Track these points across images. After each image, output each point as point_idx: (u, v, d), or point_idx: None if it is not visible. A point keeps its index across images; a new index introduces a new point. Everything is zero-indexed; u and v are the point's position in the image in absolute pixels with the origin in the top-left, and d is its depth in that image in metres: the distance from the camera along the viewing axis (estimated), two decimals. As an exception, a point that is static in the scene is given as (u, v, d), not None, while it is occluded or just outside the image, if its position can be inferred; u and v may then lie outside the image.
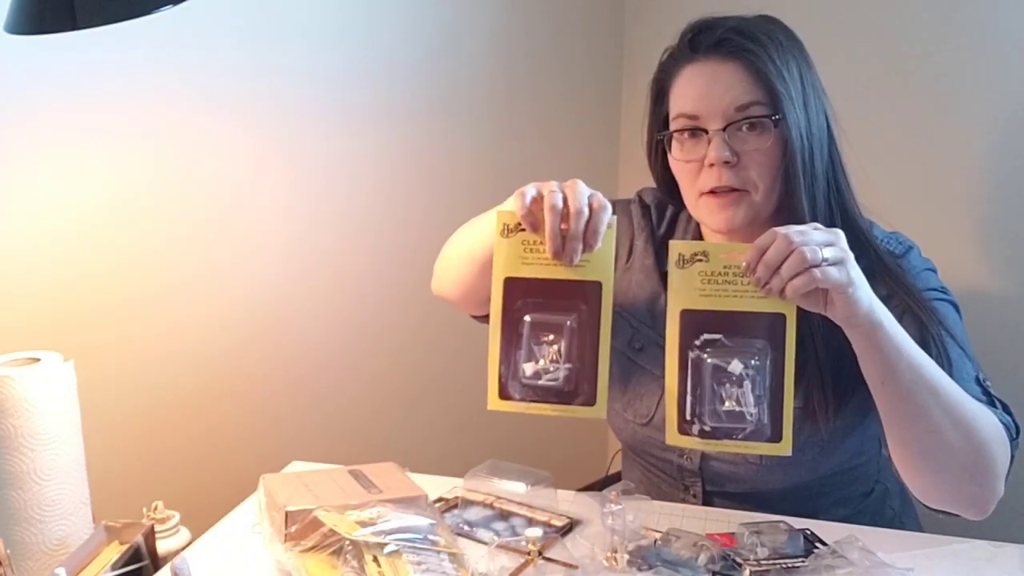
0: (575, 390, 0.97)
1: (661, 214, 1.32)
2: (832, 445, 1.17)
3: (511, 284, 0.99)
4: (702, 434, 0.94)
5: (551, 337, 0.97)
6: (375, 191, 1.82)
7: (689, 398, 0.95)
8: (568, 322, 0.97)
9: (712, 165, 1.10)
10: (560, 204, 0.96)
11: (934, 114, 1.71)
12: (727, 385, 0.94)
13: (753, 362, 0.93)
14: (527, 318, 0.98)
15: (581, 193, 0.97)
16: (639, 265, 1.30)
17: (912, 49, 1.71)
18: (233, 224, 1.63)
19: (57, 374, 1.13)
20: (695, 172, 1.13)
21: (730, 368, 0.93)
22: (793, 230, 0.93)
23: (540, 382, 0.97)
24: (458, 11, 1.89)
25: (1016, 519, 1.47)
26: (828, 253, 0.91)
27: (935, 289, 1.15)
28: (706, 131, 1.11)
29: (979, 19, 1.63)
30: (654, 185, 1.38)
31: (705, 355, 0.95)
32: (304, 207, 1.72)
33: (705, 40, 1.13)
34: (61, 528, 1.14)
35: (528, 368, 0.97)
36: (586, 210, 0.95)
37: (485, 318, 1.29)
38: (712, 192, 1.12)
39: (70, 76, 1.40)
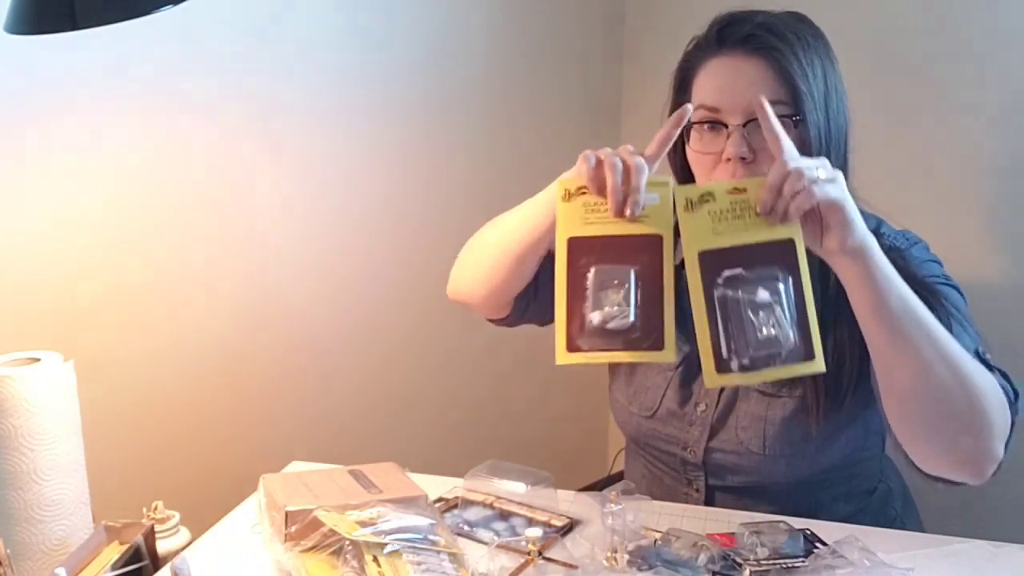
0: (643, 334, 0.99)
1: None
2: (834, 437, 1.18)
3: (575, 243, 1.02)
4: (741, 368, 0.96)
5: (616, 282, 1.00)
6: (377, 191, 1.82)
7: (722, 335, 0.96)
8: (632, 270, 1.00)
9: (729, 160, 1.11)
10: (619, 163, 1.00)
11: (938, 112, 1.71)
12: (760, 313, 0.96)
13: (778, 287, 0.96)
14: (592, 268, 1.01)
15: (634, 153, 1.01)
16: None
17: (914, 48, 1.71)
18: (234, 224, 1.63)
19: (57, 374, 1.13)
20: (712, 165, 1.14)
21: (758, 298, 0.96)
22: (786, 156, 0.97)
23: (608, 326, 0.99)
24: (458, 11, 1.89)
25: (1016, 519, 1.48)
26: (822, 173, 0.96)
27: (937, 276, 1.15)
28: (726, 125, 1.12)
29: (981, 17, 1.63)
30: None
31: (730, 291, 0.97)
32: (305, 208, 1.72)
33: (732, 34, 1.13)
34: (61, 528, 1.14)
35: (596, 317, 0.99)
36: (645, 168, 1.00)
37: (503, 321, 1.31)
38: None
39: (70, 76, 1.40)
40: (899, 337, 0.99)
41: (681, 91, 1.20)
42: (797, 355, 0.95)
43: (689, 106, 1.07)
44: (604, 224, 1.01)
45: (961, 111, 1.67)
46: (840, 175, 0.98)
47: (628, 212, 0.99)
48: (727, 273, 0.97)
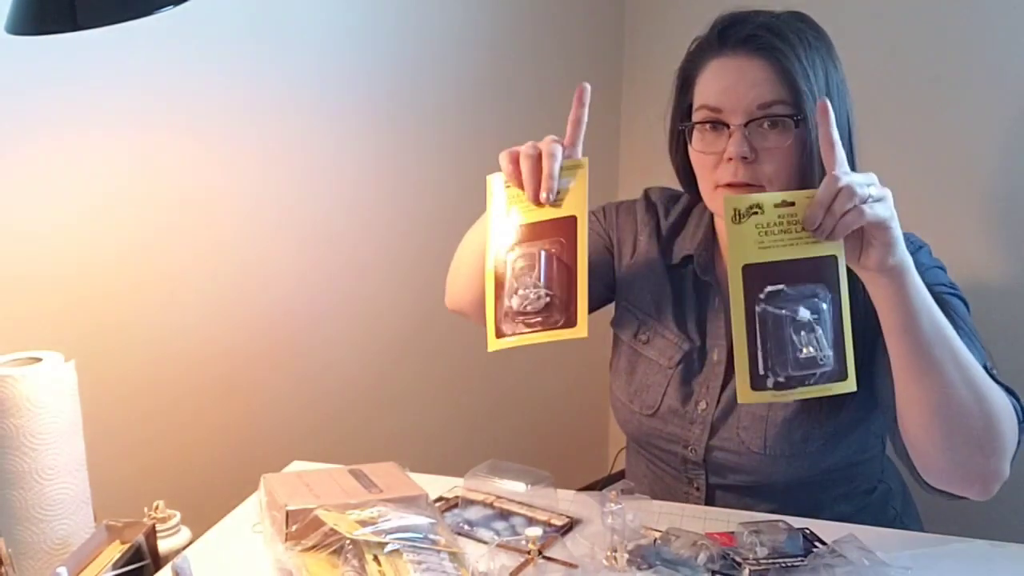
0: (557, 315, 1.02)
1: (669, 209, 1.33)
2: (836, 439, 1.18)
3: (500, 234, 1.06)
4: (776, 386, 0.95)
5: (531, 268, 1.03)
6: (377, 192, 1.82)
7: (760, 352, 0.96)
8: (543, 252, 1.03)
9: (730, 159, 1.11)
10: (533, 153, 1.04)
11: (940, 113, 1.71)
12: (802, 333, 0.95)
13: (820, 306, 0.95)
14: (508, 255, 1.04)
15: (550, 142, 1.05)
16: (643, 259, 1.31)
17: (914, 47, 1.71)
18: (235, 225, 1.63)
19: (58, 374, 1.13)
20: (713, 164, 1.14)
21: (799, 316, 0.95)
22: (838, 171, 0.95)
23: (525, 309, 1.02)
24: (459, 11, 1.89)
25: (1016, 519, 1.48)
26: (873, 191, 0.95)
27: (944, 284, 1.16)
28: (727, 125, 1.12)
29: (982, 16, 1.63)
30: (655, 184, 1.39)
31: (771, 307, 0.96)
32: (305, 209, 1.72)
33: (734, 34, 1.13)
34: (62, 527, 1.14)
35: (514, 301, 1.03)
36: (559, 154, 1.03)
37: None
38: (728, 184, 1.13)
39: (71, 77, 1.40)
40: (926, 356, 0.99)
41: (683, 91, 1.20)
42: (832, 375, 0.95)
43: (587, 84, 1.09)
44: (526, 213, 1.05)
45: (964, 111, 1.67)
46: (889, 193, 0.96)
47: (543, 198, 1.02)
48: (769, 289, 0.96)
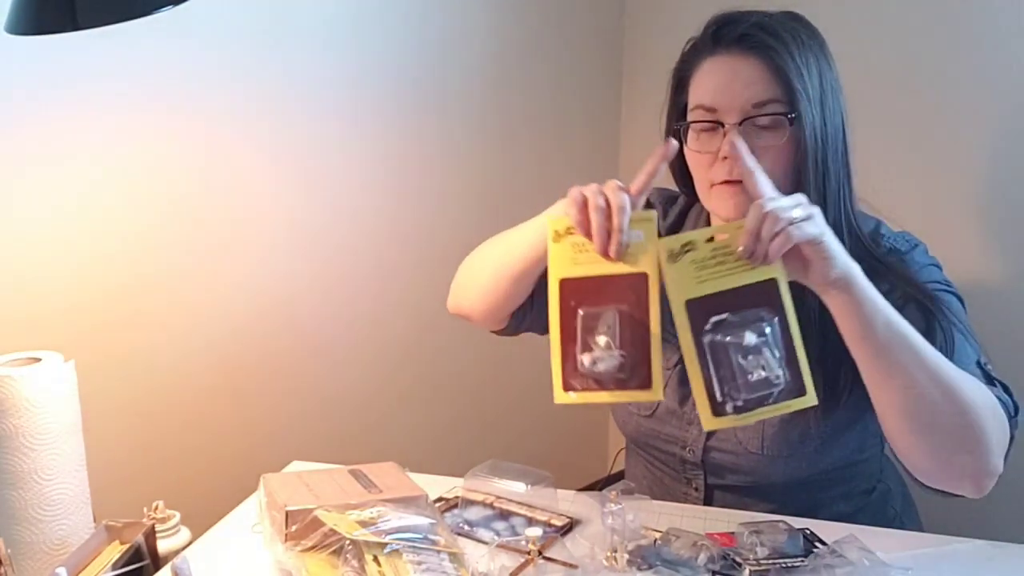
0: (630, 375, 1.02)
1: (667, 210, 1.33)
2: (832, 439, 1.18)
3: (566, 284, 1.04)
4: (736, 410, 0.98)
5: (602, 325, 1.02)
6: (377, 193, 1.82)
7: (715, 380, 0.98)
8: (617, 312, 1.02)
9: (725, 158, 1.12)
10: (603, 204, 1.01)
11: (937, 112, 1.71)
12: (749, 357, 0.97)
13: (764, 329, 0.97)
14: (580, 311, 1.03)
15: (618, 192, 1.02)
16: None
17: (915, 47, 1.71)
18: (235, 225, 1.63)
19: (58, 374, 1.13)
20: (709, 164, 1.14)
21: (745, 342, 0.97)
22: (763, 199, 0.98)
23: (596, 370, 1.02)
24: (459, 11, 1.89)
25: (1016, 519, 1.48)
26: (797, 212, 0.96)
27: (938, 282, 1.16)
28: (722, 124, 1.12)
29: (982, 16, 1.63)
30: (655, 184, 1.39)
31: (718, 336, 0.98)
32: (305, 209, 1.72)
33: (728, 34, 1.14)
34: (62, 528, 1.14)
35: (585, 359, 1.02)
36: (628, 207, 1.01)
37: (502, 332, 1.32)
38: (724, 182, 1.13)
39: (72, 77, 1.40)
40: (886, 361, 1.00)
41: (678, 92, 1.20)
42: (789, 392, 0.97)
43: (675, 141, 1.07)
44: (592, 264, 1.03)
45: (961, 111, 1.67)
46: (818, 211, 0.98)
47: (612, 252, 1.01)
48: (714, 319, 0.98)
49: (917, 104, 1.72)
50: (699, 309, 0.98)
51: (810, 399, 0.98)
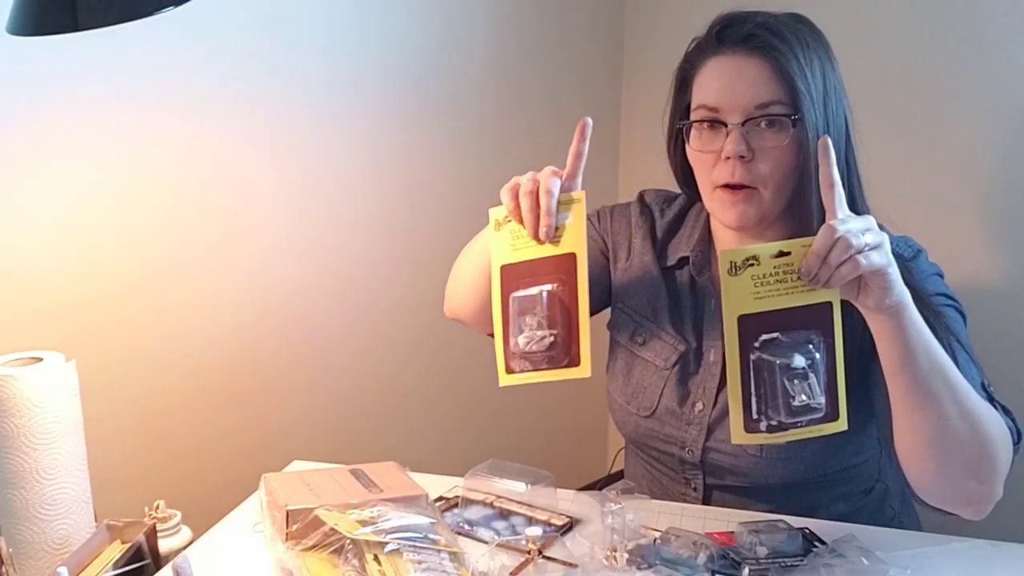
0: (560, 354, 1.04)
1: (665, 210, 1.33)
2: (832, 443, 1.18)
3: (505, 270, 1.08)
4: (769, 429, 0.98)
5: (533, 308, 1.05)
6: (377, 193, 1.82)
7: (754, 398, 0.98)
8: (544, 292, 1.05)
9: (728, 158, 1.12)
10: (532, 188, 1.04)
11: (938, 112, 1.71)
12: (795, 381, 0.97)
13: (813, 353, 0.97)
14: (511, 295, 1.06)
15: (548, 176, 1.05)
16: (638, 262, 1.31)
17: (915, 49, 1.71)
18: (235, 225, 1.63)
19: (59, 374, 1.14)
20: (711, 163, 1.14)
21: (793, 364, 0.97)
22: (835, 220, 0.95)
23: (529, 350, 1.05)
24: (459, 11, 1.89)
25: (1016, 519, 1.48)
26: (869, 238, 0.94)
27: (942, 295, 1.16)
28: (725, 124, 1.12)
29: (985, 18, 1.63)
30: (656, 185, 1.39)
31: (766, 355, 0.97)
32: (305, 210, 1.72)
33: (733, 34, 1.14)
34: (63, 527, 1.14)
35: (521, 340, 1.05)
36: (555, 190, 1.04)
37: None
38: (726, 186, 1.13)
39: (72, 78, 1.40)
40: (923, 390, 0.99)
41: (681, 91, 1.20)
42: (823, 417, 0.97)
43: (589, 119, 1.08)
44: (527, 249, 1.06)
45: (962, 110, 1.67)
46: (886, 239, 0.96)
47: (541, 235, 1.03)
48: (764, 337, 0.97)
49: (917, 104, 1.72)
50: (752, 325, 0.97)
51: (841, 425, 0.98)
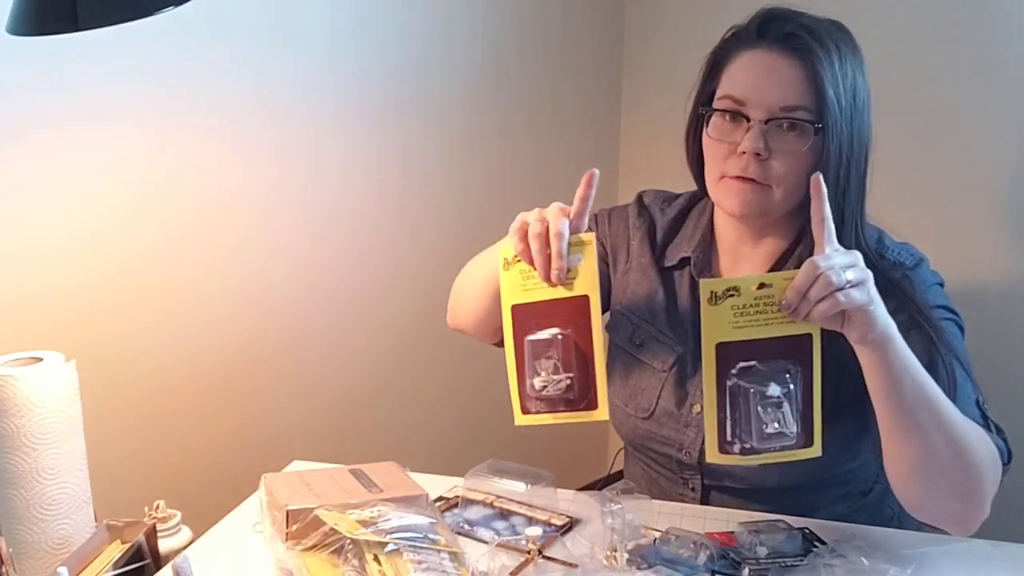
0: (578, 397, 1.05)
1: (664, 211, 1.32)
2: (829, 448, 1.18)
3: (516, 310, 1.08)
4: (743, 451, 1.00)
5: (549, 352, 1.05)
6: (377, 194, 1.82)
7: (729, 422, 1.00)
8: (560, 336, 1.05)
9: (743, 153, 1.11)
10: (541, 231, 1.03)
11: (937, 111, 1.71)
12: (769, 410, 0.99)
13: (788, 383, 0.98)
14: (527, 338, 1.06)
15: (557, 218, 1.03)
16: (636, 264, 1.31)
17: (917, 47, 1.71)
18: (235, 226, 1.63)
19: (59, 374, 1.13)
20: (725, 154, 1.14)
21: (768, 392, 0.98)
22: (819, 256, 0.96)
23: (546, 394, 1.05)
24: (459, 12, 1.90)
25: (1016, 519, 1.47)
26: (851, 275, 0.94)
27: (943, 307, 1.16)
28: (748, 118, 1.12)
29: (986, 14, 1.63)
30: (656, 186, 1.39)
31: (743, 382, 0.99)
32: (306, 210, 1.72)
33: (774, 30, 1.13)
34: (63, 527, 1.14)
35: (536, 383, 1.06)
36: (566, 232, 1.02)
37: (501, 344, 1.32)
38: (737, 177, 1.13)
39: (72, 79, 1.40)
40: (908, 420, 1.00)
41: (711, 77, 1.19)
42: (797, 444, 0.99)
43: (597, 171, 1.07)
44: (539, 289, 1.06)
45: (969, 110, 1.67)
46: (869, 276, 0.96)
47: (553, 278, 1.03)
48: (742, 364, 0.99)
49: (917, 104, 1.72)
50: (730, 352, 0.99)
51: (815, 451, 1.00)
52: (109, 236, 1.48)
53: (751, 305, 0.98)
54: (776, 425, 0.98)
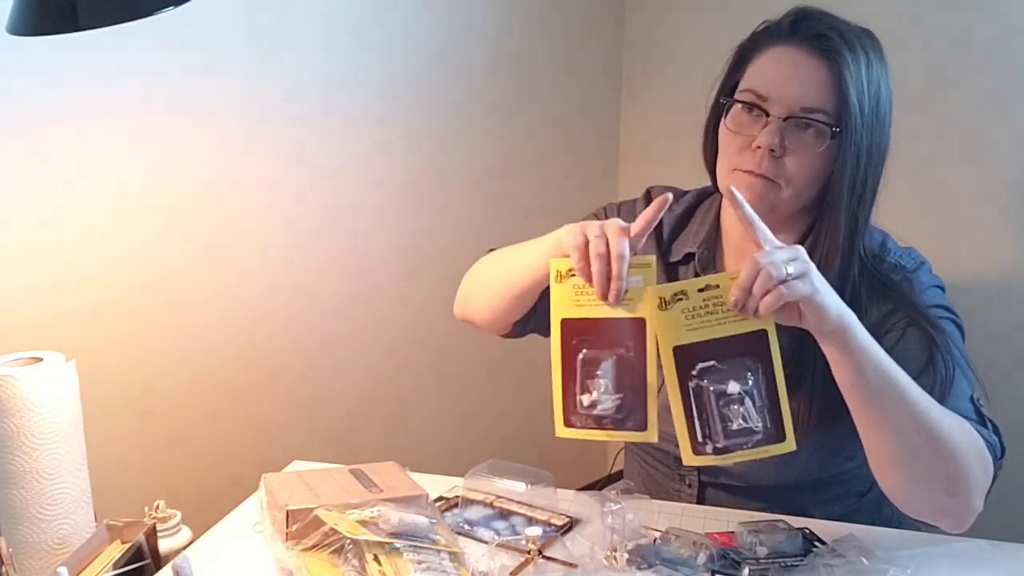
0: (626, 417, 1.05)
1: (673, 206, 1.32)
2: (826, 448, 1.18)
3: (567, 324, 1.07)
4: (716, 451, 1.01)
5: (601, 371, 1.05)
6: (376, 194, 1.82)
7: (697, 423, 1.01)
8: (614, 357, 1.04)
9: (758, 148, 1.11)
10: (603, 250, 1.02)
11: (938, 112, 1.71)
12: (732, 406, 1.00)
13: (748, 379, 1.00)
14: (580, 355, 1.05)
15: (619, 237, 1.03)
16: None
17: (919, 47, 1.71)
18: (235, 226, 1.63)
19: (59, 374, 1.14)
20: (739, 147, 1.14)
21: (729, 390, 1.00)
22: (759, 252, 0.98)
23: (594, 412, 1.05)
24: (459, 12, 1.90)
25: (1016, 519, 1.48)
26: (792, 268, 0.97)
27: (941, 307, 1.16)
28: (767, 114, 1.12)
29: (987, 14, 1.63)
30: (655, 183, 1.39)
31: (704, 382, 1.01)
32: (306, 211, 1.72)
33: (806, 28, 1.13)
34: (63, 527, 1.14)
35: (584, 399, 1.05)
36: (627, 253, 1.02)
37: (507, 336, 1.33)
38: (749, 171, 1.13)
39: (72, 79, 1.40)
40: (875, 409, 1.02)
41: (736, 68, 1.19)
42: (768, 439, 1.01)
43: (670, 195, 1.08)
44: (592, 306, 1.05)
45: (974, 111, 1.67)
46: (812, 267, 0.98)
47: (611, 299, 1.03)
48: (701, 365, 1.01)
49: (918, 104, 1.72)
50: (687, 354, 1.01)
51: (788, 446, 1.01)
52: (109, 236, 1.48)
53: (700, 307, 1.00)
54: (741, 421, 1.00)
